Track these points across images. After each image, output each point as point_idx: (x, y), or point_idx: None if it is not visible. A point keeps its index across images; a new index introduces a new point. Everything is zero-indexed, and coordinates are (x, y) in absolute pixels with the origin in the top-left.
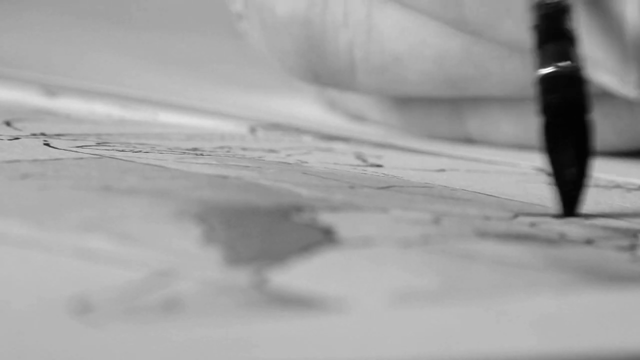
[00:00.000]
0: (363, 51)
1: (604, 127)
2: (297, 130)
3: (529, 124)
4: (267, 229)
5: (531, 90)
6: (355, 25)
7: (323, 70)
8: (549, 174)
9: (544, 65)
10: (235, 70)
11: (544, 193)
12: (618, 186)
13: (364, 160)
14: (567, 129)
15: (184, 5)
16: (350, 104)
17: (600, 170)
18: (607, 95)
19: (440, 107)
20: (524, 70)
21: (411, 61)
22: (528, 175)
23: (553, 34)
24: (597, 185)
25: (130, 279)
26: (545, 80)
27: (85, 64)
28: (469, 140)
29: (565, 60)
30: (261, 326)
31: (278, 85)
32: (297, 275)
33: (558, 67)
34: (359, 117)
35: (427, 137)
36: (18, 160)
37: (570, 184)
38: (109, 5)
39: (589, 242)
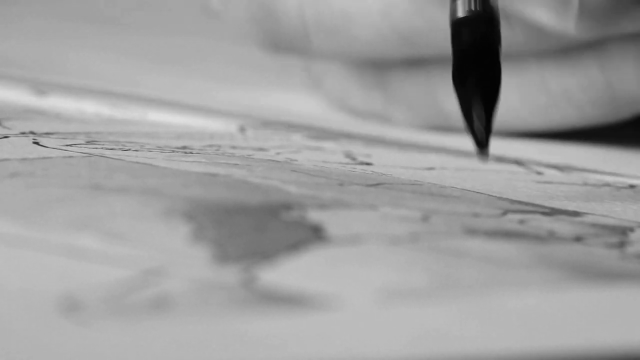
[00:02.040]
0: (313, 11)
1: (580, 99)
2: (287, 127)
3: (507, 98)
4: (256, 227)
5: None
6: None
7: (278, 37)
8: (464, 116)
9: (457, 10)
10: (225, 67)
11: (533, 191)
12: (607, 185)
13: (353, 159)
14: (475, 70)
15: (173, 4)
16: (331, 87)
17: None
18: (577, 63)
19: (414, 81)
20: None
21: (359, 16)
22: (517, 173)
23: None
24: (586, 184)
25: (119, 277)
26: (456, 24)
27: (74, 63)
28: (449, 127)
29: (478, 5)
30: (250, 324)
31: (270, 81)
32: (286, 273)
33: (469, 12)
34: (340, 103)
35: (408, 124)
36: (7, 159)
37: (479, 123)
38: (98, 5)
39: (578, 239)
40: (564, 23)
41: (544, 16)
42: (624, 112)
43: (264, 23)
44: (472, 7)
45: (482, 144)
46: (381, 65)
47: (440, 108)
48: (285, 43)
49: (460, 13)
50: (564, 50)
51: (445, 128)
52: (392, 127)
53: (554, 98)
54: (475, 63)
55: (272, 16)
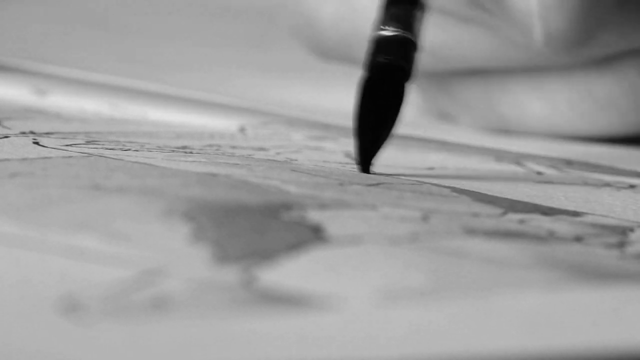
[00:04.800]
0: (349, 23)
1: (623, 105)
2: (288, 123)
3: (556, 104)
4: (256, 227)
5: (498, 61)
6: None
7: (321, 45)
8: (354, 129)
9: (381, 25)
10: (225, 68)
11: (533, 191)
12: (607, 185)
13: (354, 159)
14: (383, 91)
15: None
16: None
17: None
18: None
19: (473, 87)
20: (481, 40)
21: None
22: (518, 173)
23: None
24: (586, 184)
25: (119, 277)
26: (376, 41)
27: (75, 63)
28: (507, 130)
29: (402, 25)
30: (250, 324)
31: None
32: (285, 273)
33: (392, 30)
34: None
35: (471, 125)
36: (7, 159)
37: (370, 142)
38: (98, 8)
39: (578, 239)
40: (536, 46)
41: (520, 40)
42: None
43: (307, 31)
44: (397, 26)
45: (361, 165)
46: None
47: (497, 112)
48: (329, 51)
49: (384, 28)
50: (607, 58)
51: (503, 130)
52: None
53: (599, 104)
54: (382, 86)
55: (314, 25)
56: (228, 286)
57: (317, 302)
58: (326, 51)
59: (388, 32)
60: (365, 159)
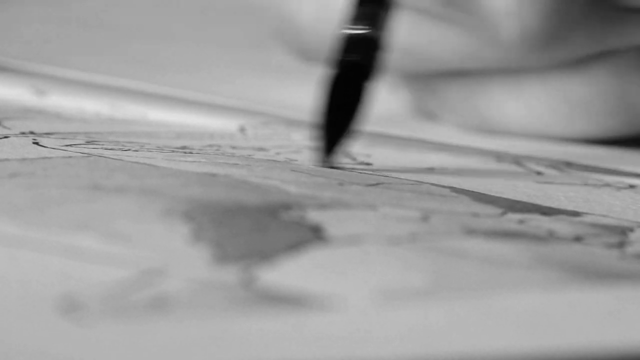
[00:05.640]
0: (329, 24)
1: (597, 109)
2: (288, 123)
3: (533, 105)
4: (256, 227)
5: (472, 62)
6: None
7: (302, 46)
8: (316, 125)
9: (349, 23)
10: (224, 68)
11: (533, 191)
12: (607, 185)
13: (353, 159)
14: (346, 88)
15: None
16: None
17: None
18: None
19: (456, 88)
20: (461, 40)
21: None
22: (516, 173)
23: None
24: (586, 184)
25: (118, 277)
26: (344, 38)
27: (75, 63)
28: (487, 129)
29: (369, 23)
30: (249, 324)
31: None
32: (285, 273)
33: (359, 29)
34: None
35: (455, 125)
36: (7, 159)
37: (331, 138)
38: (98, 9)
39: (577, 239)
40: (510, 47)
41: (493, 41)
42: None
43: (289, 35)
44: (364, 24)
45: (320, 159)
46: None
47: (477, 112)
48: (310, 52)
49: (352, 26)
50: (582, 60)
51: (484, 130)
52: (392, 126)
53: (574, 107)
54: (352, 82)
55: (294, 27)
56: (228, 286)
57: (317, 302)
58: (307, 52)
59: (354, 30)
60: (325, 153)
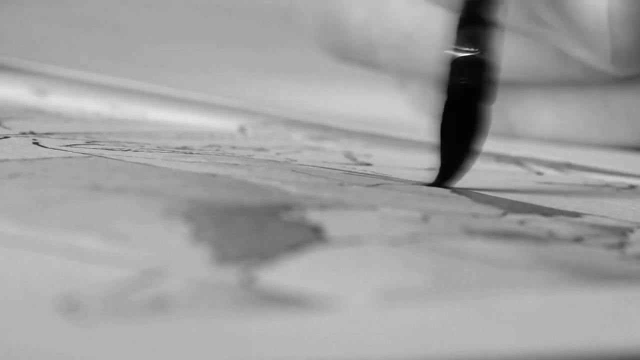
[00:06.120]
0: (380, 27)
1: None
2: (288, 123)
3: (568, 114)
4: (256, 228)
5: (535, 73)
6: (370, 1)
7: (345, 47)
8: (436, 148)
9: (455, 48)
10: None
11: (533, 191)
12: (607, 185)
13: (353, 159)
14: (463, 112)
15: (176, 6)
16: (413, 92)
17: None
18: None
19: None
20: (525, 53)
21: (422, 38)
22: (517, 173)
23: (469, 19)
24: (586, 184)
25: (118, 277)
26: (452, 62)
27: (75, 63)
28: (512, 135)
29: (476, 46)
30: (250, 325)
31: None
32: (285, 273)
33: (466, 52)
34: (421, 106)
35: None
36: (7, 160)
37: (451, 163)
38: (98, 8)
39: (577, 240)
40: (602, 63)
41: (585, 56)
42: None
43: (332, 33)
44: (470, 47)
45: (437, 182)
46: None
47: (507, 121)
48: (351, 54)
49: (458, 49)
50: None
51: (507, 135)
52: (392, 126)
53: (614, 115)
54: (467, 106)
55: (340, 27)
56: (228, 286)
57: (317, 302)
58: (349, 54)
59: (463, 53)
60: (445, 176)
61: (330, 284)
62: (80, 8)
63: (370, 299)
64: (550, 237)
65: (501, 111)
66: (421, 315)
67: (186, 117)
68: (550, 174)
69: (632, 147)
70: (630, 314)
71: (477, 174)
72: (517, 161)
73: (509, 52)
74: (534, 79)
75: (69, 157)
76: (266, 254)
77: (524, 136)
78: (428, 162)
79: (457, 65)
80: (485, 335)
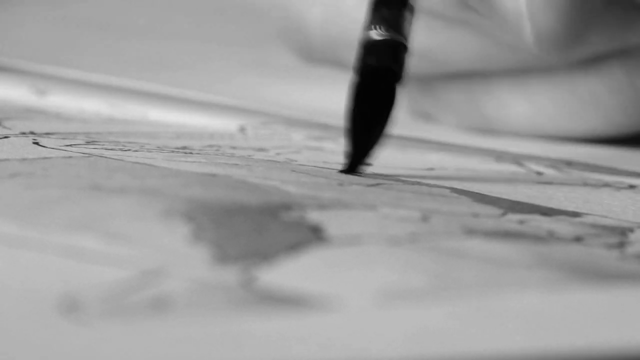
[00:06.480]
0: (338, 27)
1: (608, 104)
2: (288, 123)
3: (540, 104)
4: (256, 228)
5: (482, 61)
6: (325, 1)
7: (308, 48)
8: (345, 131)
9: (370, 28)
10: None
11: (533, 191)
12: (607, 185)
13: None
14: (375, 93)
15: (176, 6)
16: None
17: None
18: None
19: (457, 89)
20: (466, 41)
21: None
22: (517, 173)
23: (385, 1)
24: (586, 184)
25: (118, 277)
26: (367, 43)
27: (75, 63)
28: (490, 129)
29: (392, 27)
30: (249, 324)
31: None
32: (285, 273)
33: (382, 33)
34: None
35: (453, 126)
36: (7, 159)
37: (361, 144)
38: (98, 8)
39: (577, 239)
40: (526, 47)
41: (511, 41)
42: None
43: (294, 36)
44: (386, 28)
45: (349, 167)
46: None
47: (480, 112)
48: (316, 54)
49: (374, 30)
50: (592, 58)
51: (486, 130)
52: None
53: (584, 104)
54: (379, 87)
55: (301, 29)
56: (228, 286)
57: (317, 302)
58: (313, 54)
59: (378, 34)
60: (356, 161)
61: (330, 284)
62: (80, 8)
63: (370, 299)
64: (550, 237)
65: (474, 105)
66: (421, 315)
67: (186, 117)
68: (550, 173)
69: (605, 139)
70: (630, 313)
71: (477, 174)
72: (517, 161)
73: (449, 42)
74: (487, 68)
75: (69, 157)
76: (266, 254)
77: (502, 130)
78: (429, 162)
79: (369, 46)
80: (485, 335)
